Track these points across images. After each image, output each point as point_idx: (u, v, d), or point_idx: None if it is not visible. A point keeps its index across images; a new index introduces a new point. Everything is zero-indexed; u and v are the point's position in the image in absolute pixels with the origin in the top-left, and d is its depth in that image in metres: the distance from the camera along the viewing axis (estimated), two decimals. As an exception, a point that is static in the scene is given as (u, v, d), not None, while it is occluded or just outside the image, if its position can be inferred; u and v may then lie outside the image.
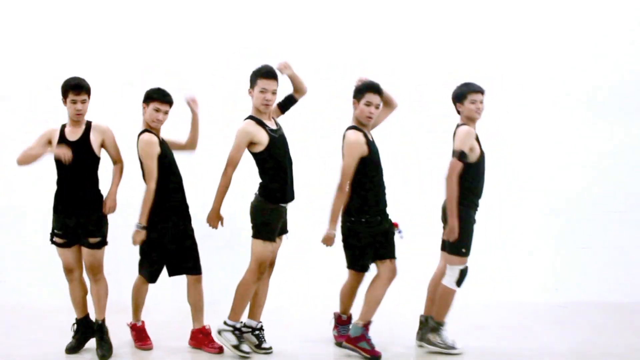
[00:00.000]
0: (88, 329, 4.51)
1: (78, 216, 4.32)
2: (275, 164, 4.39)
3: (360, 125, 4.50)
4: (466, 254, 4.42)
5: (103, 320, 4.44)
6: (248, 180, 4.61)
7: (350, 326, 4.53)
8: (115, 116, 5.20)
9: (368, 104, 4.44)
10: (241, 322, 4.47)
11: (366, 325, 4.45)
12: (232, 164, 4.35)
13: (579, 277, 6.04)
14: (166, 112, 4.46)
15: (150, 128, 4.45)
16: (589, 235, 6.14)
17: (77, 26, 6.11)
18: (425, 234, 5.28)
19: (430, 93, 5.99)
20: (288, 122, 4.88)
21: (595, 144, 6.21)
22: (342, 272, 4.83)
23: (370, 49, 6.20)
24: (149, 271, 4.54)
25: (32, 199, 5.88)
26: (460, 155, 4.34)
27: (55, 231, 4.38)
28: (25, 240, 5.99)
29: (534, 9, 6.26)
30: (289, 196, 4.47)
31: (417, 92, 6.01)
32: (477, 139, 4.47)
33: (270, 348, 4.52)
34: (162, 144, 4.47)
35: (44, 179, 5.16)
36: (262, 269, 4.40)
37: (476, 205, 4.49)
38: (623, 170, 6.21)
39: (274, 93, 4.40)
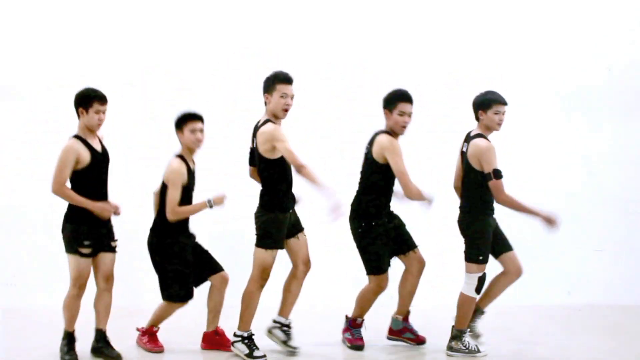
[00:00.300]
0: None
1: (106, 223, 4.39)
2: (287, 171, 4.37)
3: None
4: (484, 261, 4.44)
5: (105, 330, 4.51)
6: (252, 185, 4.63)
7: (391, 319, 4.70)
8: (115, 116, 5.21)
9: (402, 114, 4.44)
10: (249, 331, 4.47)
11: (405, 318, 4.67)
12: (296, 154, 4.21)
13: (579, 279, 6.03)
14: (202, 130, 4.47)
15: (189, 151, 4.46)
16: (590, 236, 6.13)
17: (76, 26, 6.11)
18: (426, 234, 5.27)
19: (430, 93, 6.00)
20: (289, 122, 4.88)
21: (596, 144, 6.21)
22: (346, 272, 4.82)
23: (371, 49, 6.20)
24: (183, 290, 4.47)
25: (40, 200, 5.83)
26: (496, 175, 4.34)
27: (85, 243, 4.32)
28: (33, 243, 6.00)
29: (534, 8, 6.27)
30: (293, 203, 4.50)
31: (417, 92, 5.99)
32: None
33: (297, 348, 4.52)
34: (189, 173, 4.45)
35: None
36: (265, 275, 4.38)
37: (492, 211, 4.53)
38: (625, 170, 6.21)
39: (292, 98, 4.37)
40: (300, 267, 4.54)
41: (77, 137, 4.31)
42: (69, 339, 4.41)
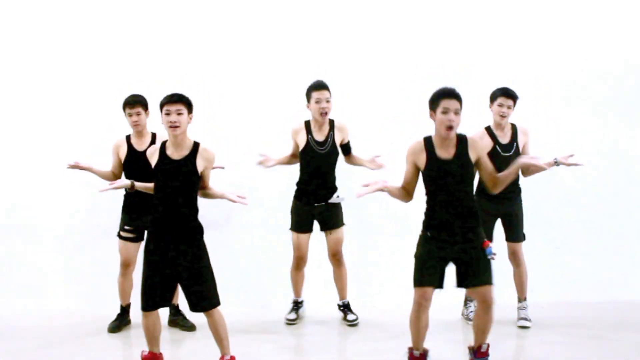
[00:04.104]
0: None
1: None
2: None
3: (439, 138, 4.05)
4: None
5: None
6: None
7: None
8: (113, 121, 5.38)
9: (445, 112, 3.97)
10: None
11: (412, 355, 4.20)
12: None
13: (552, 278, 6.11)
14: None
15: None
16: (563, 236, 6.25)
17: (76, 28, 6.19)
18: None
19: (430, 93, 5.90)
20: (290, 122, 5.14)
21: (575, 144, 6.05)
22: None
23: (370, 49, 6.22)
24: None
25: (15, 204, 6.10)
26: None
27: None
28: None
29: (537, 4, 6.26)
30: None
31: (418, 93, 5.84)
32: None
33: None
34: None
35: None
36: None
37: None
38: (579, 167, 6.02)
39: (327, 101, 5.13)
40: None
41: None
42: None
